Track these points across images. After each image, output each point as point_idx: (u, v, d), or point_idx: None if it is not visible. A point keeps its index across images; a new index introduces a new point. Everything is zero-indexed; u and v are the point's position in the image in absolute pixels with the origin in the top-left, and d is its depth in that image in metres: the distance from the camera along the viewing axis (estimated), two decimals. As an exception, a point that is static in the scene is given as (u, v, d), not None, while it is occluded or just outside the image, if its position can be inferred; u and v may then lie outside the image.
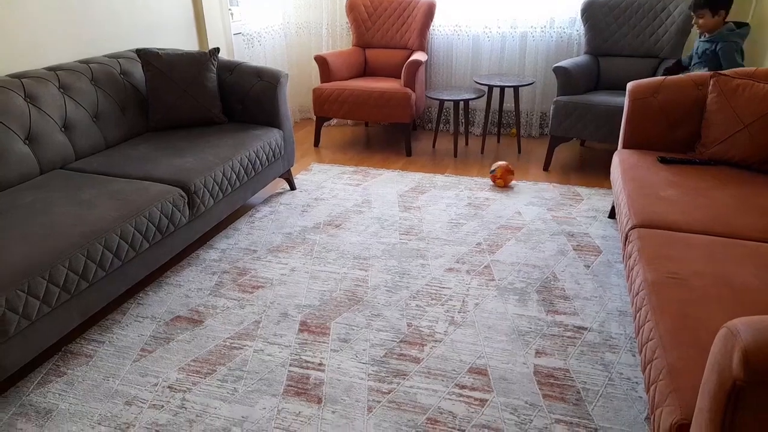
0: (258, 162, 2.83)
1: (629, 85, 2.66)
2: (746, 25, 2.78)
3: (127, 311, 2.17)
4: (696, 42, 2.98)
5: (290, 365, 1.85)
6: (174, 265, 2.50)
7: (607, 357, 1.87)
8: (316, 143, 4.26)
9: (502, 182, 3.35)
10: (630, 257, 1.81)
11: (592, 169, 3.67)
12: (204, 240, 2.72)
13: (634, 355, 1.87)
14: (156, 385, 1.77)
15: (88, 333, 2.03)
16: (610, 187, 3.30)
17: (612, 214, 2.91)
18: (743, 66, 2.74)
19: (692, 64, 3.00)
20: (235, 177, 2.65)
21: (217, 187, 2.51)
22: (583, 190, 3.29)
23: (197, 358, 1.89)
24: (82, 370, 1.84)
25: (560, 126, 3.51)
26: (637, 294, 1.60)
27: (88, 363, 1.88)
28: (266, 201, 3.22)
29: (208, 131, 2.88)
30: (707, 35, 2.83)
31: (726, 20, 2.80)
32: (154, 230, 2.14)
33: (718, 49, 2.78)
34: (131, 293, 2.27)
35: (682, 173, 2.28)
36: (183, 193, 2.30)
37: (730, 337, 0.97)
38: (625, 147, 2.66)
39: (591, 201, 3.13)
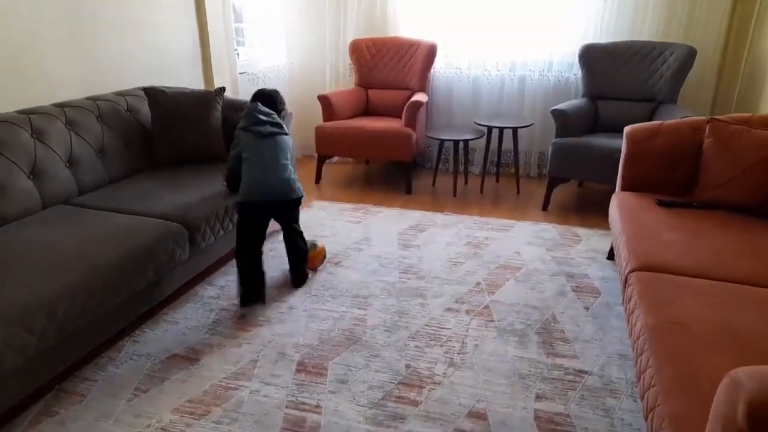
0: (259, 199, 2.85)
1: (626, 129, 2.70)
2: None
3: (122, 348, 2.14)
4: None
5: (286, 407, 1.82)
6: (172, 301, 2.49)
7: (609, 402, 1.84)
8: (318, 180, 4.30)
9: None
10: (630, 300, 1.81)
11: (590, 210, 3.69)
12: (203, 276, 2.71)
13: (635, 401, 1.84)
14: (149, 426, 1.74)
15: (82, 371, 2.00)
16: (608, 228, 3.31)
17: (611, 256, 2.91)
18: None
19: None
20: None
21: (218, 224, 2.52)
22: (581, 231, 3.30)
23: (192, 399, 1.86)
24: (74, 410, 1.81)
25: (558, 167, 3.54)
26: (638, 339, 1.59)
27: (81, 402, 1.84)
28: (266, 237, 3.21)
29: (212, 168, 2.90)
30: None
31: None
32: (155, 267, 2.13)
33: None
34: (128, 330, 2.25)
35: (681, 217, 2.30)
36: (184, 229, 2.31)
37: (734, 387, 0.96)
38: (623, 189, 2.69)
39: (590, 242, 3.14)
